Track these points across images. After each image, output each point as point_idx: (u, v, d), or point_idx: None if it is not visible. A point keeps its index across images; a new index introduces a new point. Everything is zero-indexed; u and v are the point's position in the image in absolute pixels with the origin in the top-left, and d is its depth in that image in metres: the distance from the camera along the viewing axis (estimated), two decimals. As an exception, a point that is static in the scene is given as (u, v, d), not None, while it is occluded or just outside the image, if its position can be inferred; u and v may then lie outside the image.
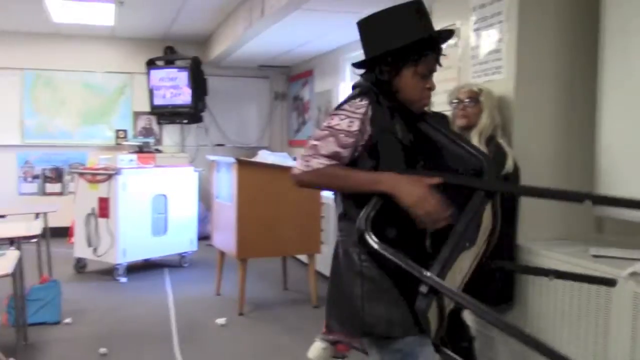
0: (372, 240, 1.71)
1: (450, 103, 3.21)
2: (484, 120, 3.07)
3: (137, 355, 3.88)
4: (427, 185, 1.74)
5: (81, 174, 5.97)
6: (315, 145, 1.83)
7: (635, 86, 2.91)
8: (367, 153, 1.83)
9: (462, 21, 3.64)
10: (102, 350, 3.87)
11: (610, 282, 2.01)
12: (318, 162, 1.80)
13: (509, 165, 2.97)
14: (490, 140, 3.06)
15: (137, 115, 8.52)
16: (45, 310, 4.39)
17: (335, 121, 1.84)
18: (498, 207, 1.89)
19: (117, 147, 8.16)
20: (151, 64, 8.22)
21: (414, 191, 1.73)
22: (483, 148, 3.01)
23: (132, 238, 5.80)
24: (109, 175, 5.72)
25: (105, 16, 6.93)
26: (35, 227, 4.48)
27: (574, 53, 3.28)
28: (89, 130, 8.34)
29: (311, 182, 1.84)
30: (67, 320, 4.45)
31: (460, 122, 3.13)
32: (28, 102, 8.09)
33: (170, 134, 8.75)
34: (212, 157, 5.56)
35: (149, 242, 6.01)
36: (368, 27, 1.94)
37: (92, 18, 7.04)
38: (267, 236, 4.69)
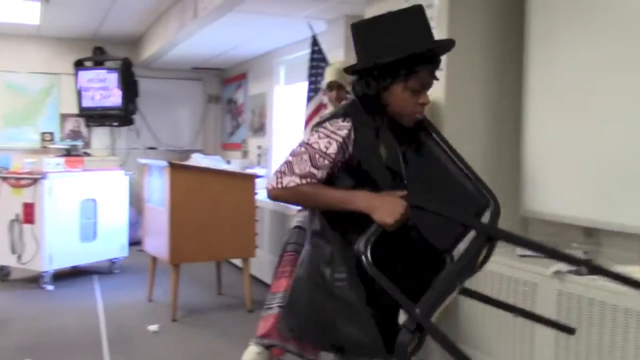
0: (369, 266, 1.64)
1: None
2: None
3: (64, 365, 3.75)
4: (402, 203, 1.69)
5: (4, 178, 5.73)
6: (289, 162, 1.77)
7: (557, 90, 3.04)
8: (347, 172, 1.78)
9: (394, 26, 3.70)
10: (27, 361, 3.72)
11: (569, 331, 1.99)
12: (290, 180, 1.75)
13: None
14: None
15: (64, 117, 8.24)
16: (-36, 321, 4.19)
17: (313, 139, 1.77)
18: (494, 248, 1.83)
19: (43, 150, 7.86)
20: (79, 65, 7.99)
21: (390, 210, 1.67)
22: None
23: (58, 244, 5.60)
24: (34, 179, 5.52)
25: (30, 14, 6.68)
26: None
27: (502, 57, 3.39)
28: (12, 132, 8.01)
29: (283, 198, 1.80)
30: (-11, 331, 4.26)
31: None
32: (-54, 102, 7.70)
33: (99, 136, 8.51)
34: (143, 161, 5.45)
35: (76, 249, 5.82)
36: (359, 33, 1.83)
37: (16, 16, 6.77)
38: (201, 241, 4.63)
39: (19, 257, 5.56)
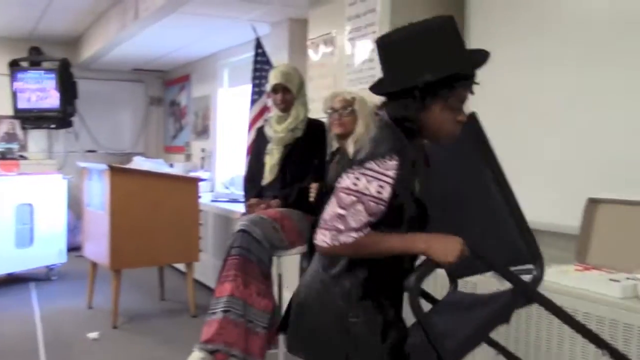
0: (415, 305, 1.58)
1: (326, 112, 3.26)
2: (360, 128, 3.15)
3: (-1, 376, 3.62)
4: (459, 243, 1.62)
5: None
6: (342, 215, 1.60)
7: (499, 98, 3.14)
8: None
9: (338, 30, 3.73)
10: (-41, 373, 3.58)
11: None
12: (348, 236, 1.59)
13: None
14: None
15: (-2, 119, 7.98)
16: None
17: (362, 184, 1.60)
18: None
19: (-24, 153, 7.57)
20: (14, 65, 7.72)
21: (449, 249, 1.61)
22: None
23: (-8, 251, 5.40)
24: (-34, 183, 5.30)
25: (-39, 12, 6.43)
26: None
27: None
28: (-58, 134, 7.69)
29: (341, 254, 1.69)
30: None
31: (336, 131, 3.20)
32: None
33: (36, 139, 8.25)
34: (82, 164, 5.31)
35: (12, 255, 5.61)
36: (390, 50, 1.68)
37: (-54, 13, 6.50)
38: (143, 245, 4.55)
39: (-50, 264, 5.34)
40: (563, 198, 2.76)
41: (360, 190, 1.60)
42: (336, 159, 3.30)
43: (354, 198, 1.60)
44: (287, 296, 3.38)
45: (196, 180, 5.01)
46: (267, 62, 5.16)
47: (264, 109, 5.06)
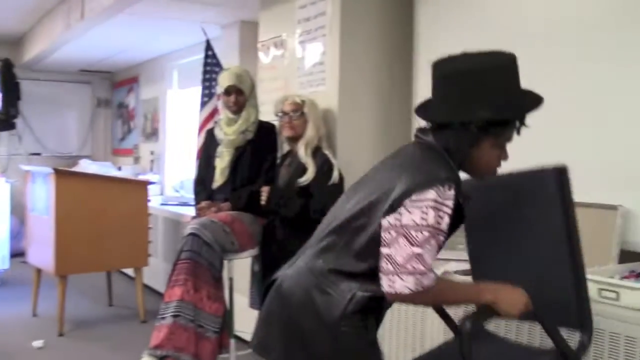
0: (467, 353, 1.55)
1: (276, 115, 3.27)
2: (309, 131, 3.17)
3: (-63, 388, 3.48)
4: (524, 295, 1.63)
5: None
6: (420, 254, 1.51)
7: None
8: None
9: (288, 33, 3.73)
10: None
11: None
12: (430, 279, 1.52)
13: (335, 177, 3.09)
14: (317, 151, 3.16)
15: (-64, 121, 7.67)
16: None
17: (432, 217, 1.53)
18: None
19: None
20: (-47, 65, 7.46)
21: (515, 301, 1.62)
22: (310, 159, 3.11)
23: None
24: None
25: None
26: None
27: (393, 68, 3.51)
28: None
29: (422, 303, 1.64)
30: None
31: (286, 134, 3.22)
32: None
33: (-23, 142, 7.99)
34: (26, 167, 5.18)
35: (-49, 262, 5.43)
36: (451, 79, 1.64)
37: None
38: (90, 250, 4.45)
39: None
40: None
41: (432, 224, 1.53)
42: (287, 162, 3.31)
43: (427, 234, 1.52)
44: (238, 300, 3.38)
45: (145, 183, 4.93)
46: (218, 64, 5.12)
47: (214, 111, 5.02)
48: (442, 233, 1.56)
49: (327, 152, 3.17)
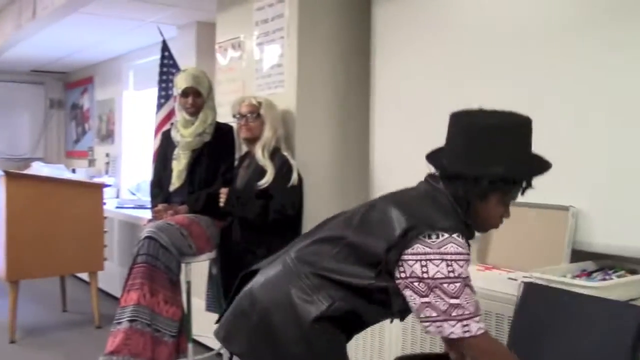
0: None
1: (234, 116, 3.25)
2: (267, 133, 3.17)
3: None
4: None
5: None
6: (458, 304, 1.56)
7: (399, 103, 3.25)
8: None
9: (246, 35, 3.72)
10: None
11: None
12: (477, 326, 1.57)
13: (294, 178, 3.08)
14: (275, 152, 3.15)
15: None
16: None
17: (460, 268, 1.58)
18: None
19: None
20: None
21: None
22: (268, 161, 3.10)
23: None
24: None
25: None
26: None
27: (351, 69, 3.52)
28: None
29: (475, 354, 1.61)
30: None
31: (244, 135, 3.21)
32: None
33: None
34: (-25, 170, 5.02)
35: None
36: (467, 133, 1.69)
37: None
38: (42, 255, 4.35)
39: None
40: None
41: (460, 275, 1.58)
42: (245, 164, 3.30)
43: (458, 284, 1.57)
44: (196, 303, 3.34)
45: (100, 186, 4.85)
46: (174, 65, 5.07)
47: (171, 113, 4.96)
48: (470, 280, 1.63)
49: (286, 153, 3.17)
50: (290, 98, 3.36)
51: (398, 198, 1.78)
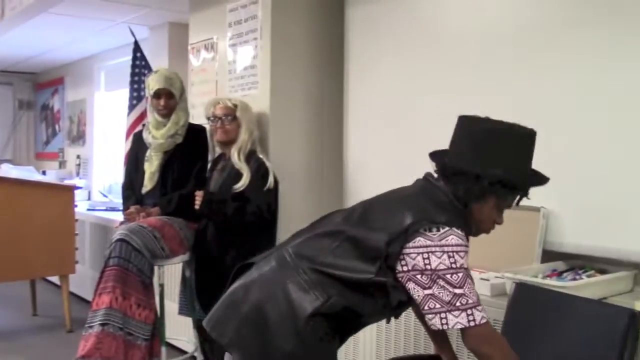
0: None
1: (208, 118, 3.22)
2: (243, 135, 3.14)
3: None
4: None
5: None
6: (462, 294, 1.59)
7: (371, 106, 3.27)
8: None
9: (219, 36, 3.70)
10: None
11: None
12: (481, 315, 1.59)
13: (270, 181, 3.07)
14: (251, 155, 3.13)
15: None
16: None
17: (461, 259, 1.61)
18: None
19: None
20: None
21: None
22: (244, 165, 3.08)
23: None
24: None
25: None
26: None
27: (324, 73, 3.53)
28: None
29: (482, 346, 1.62)
30: None
31: (219, 138, 3.17)
32: None
33: None
34: (-59, 172, 4.93)
35: None
36: (473, 135, 1.73)
37: None
38: (11, 258, 4.28)
39: None
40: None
41: (462, 265, 1.61)
42: (220, 166, 3.28)
43: (461, 274, 1.60)
44: (169, 306, 3.32)
45: (71, 188, 4.79)
46: (146, 66, 5.03)
47: (143, 115, 4.92)
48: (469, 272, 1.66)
49: (261, 156, 3.15)
50: (264, 100, 3.35)
51: (397, 194, 1.81)
